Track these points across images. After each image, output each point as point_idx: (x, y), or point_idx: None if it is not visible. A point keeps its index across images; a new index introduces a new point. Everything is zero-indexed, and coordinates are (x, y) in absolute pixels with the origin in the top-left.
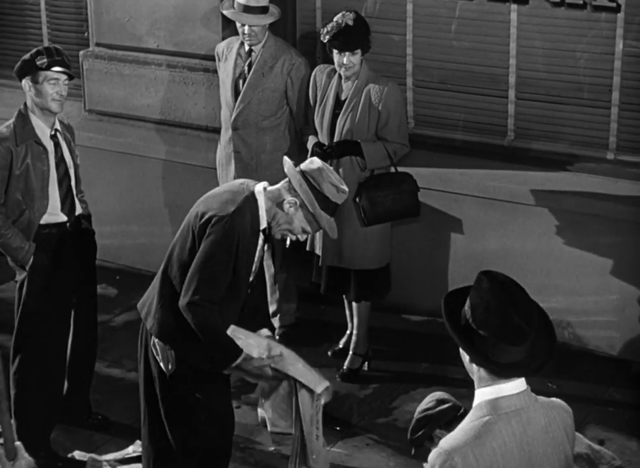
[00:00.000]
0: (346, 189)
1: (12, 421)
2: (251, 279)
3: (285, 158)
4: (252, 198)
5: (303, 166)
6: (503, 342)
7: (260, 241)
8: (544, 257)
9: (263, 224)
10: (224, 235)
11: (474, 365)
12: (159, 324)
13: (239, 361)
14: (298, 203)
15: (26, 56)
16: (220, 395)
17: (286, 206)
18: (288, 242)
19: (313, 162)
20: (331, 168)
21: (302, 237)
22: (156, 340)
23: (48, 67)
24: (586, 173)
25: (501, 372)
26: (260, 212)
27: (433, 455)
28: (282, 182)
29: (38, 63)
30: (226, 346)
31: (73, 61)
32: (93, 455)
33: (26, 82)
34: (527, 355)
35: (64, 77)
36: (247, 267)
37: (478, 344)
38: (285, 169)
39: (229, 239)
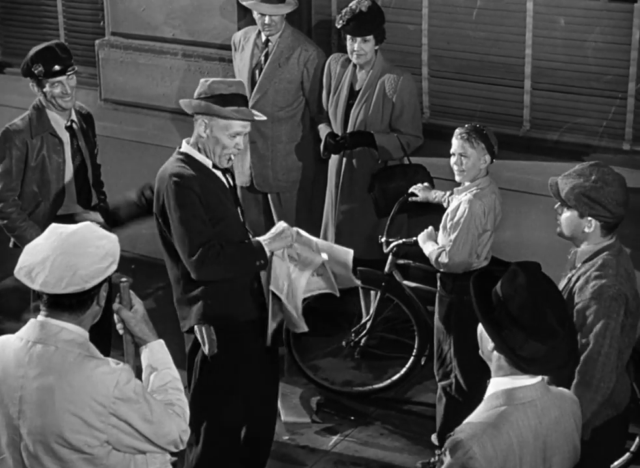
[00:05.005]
0: (239, 80)
1: None
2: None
3: (180, 101)
4: (182, 155)
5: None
6: (534, 340)
7: (222, 178)
8: (559, 248)
9: (209, 163)
10: (176, 195)
11: (495, 353)
12: (195, 310)
13: (267, 249)
14: (203, 119)
15: (26, 61)
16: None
17: (200, 130)
18: (233, 158)
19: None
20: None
21: (240, 146)
22: (196, 327)
23: (46, 76)
24: None
25: (527, 368)
26: (197, 158)
27: (450, 444)
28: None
29: (35, 72)
30: (250, 252)
31: (89, 50)
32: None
33: (32, 85)
34: (548, 352)
35: (64, 76)
36: (223, 204)
37: (506, 335)
38: (183, 107)
39: (183, 195)
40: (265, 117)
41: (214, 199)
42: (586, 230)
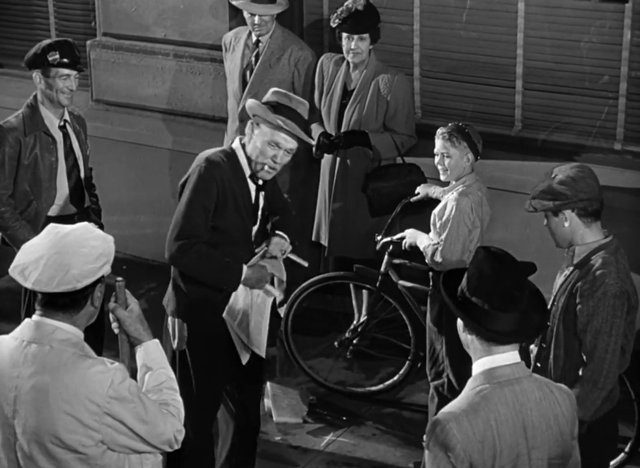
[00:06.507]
0: (305, 102)
1: None
2: (255, 229)
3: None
4: (229, 151)
5: None
6: (495, 309)
7: (252, 191)
8: (550, 248)
9: (247, 171)
10: (199, 178)
11: (468, 336)
12: (174, 301)
13: (242, 280)
14: (255, 121)
15: (38, 49)
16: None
17: (248, 131)
18: (269, 172)
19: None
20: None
21: (277, 160)
22: (169, 318)
23: (59, 66)
24: (593, 164)
25: (494, 336)
26: (240, 160)
27: (429, 424)
28: None
29: (49, 59)
30: (227, 274)
31: (80, 51)
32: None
33: (36, 75)
34: (519, 325)
35: (75, 71)
36: (238, 212)
37: (471, 311)
38: (246, 109)
39: (205, 182)
40: (313, 142)
41: (227, 207)
42: (566, 224)
